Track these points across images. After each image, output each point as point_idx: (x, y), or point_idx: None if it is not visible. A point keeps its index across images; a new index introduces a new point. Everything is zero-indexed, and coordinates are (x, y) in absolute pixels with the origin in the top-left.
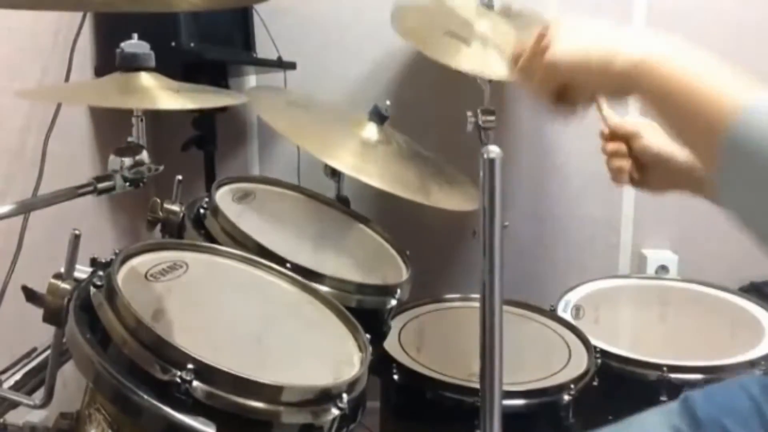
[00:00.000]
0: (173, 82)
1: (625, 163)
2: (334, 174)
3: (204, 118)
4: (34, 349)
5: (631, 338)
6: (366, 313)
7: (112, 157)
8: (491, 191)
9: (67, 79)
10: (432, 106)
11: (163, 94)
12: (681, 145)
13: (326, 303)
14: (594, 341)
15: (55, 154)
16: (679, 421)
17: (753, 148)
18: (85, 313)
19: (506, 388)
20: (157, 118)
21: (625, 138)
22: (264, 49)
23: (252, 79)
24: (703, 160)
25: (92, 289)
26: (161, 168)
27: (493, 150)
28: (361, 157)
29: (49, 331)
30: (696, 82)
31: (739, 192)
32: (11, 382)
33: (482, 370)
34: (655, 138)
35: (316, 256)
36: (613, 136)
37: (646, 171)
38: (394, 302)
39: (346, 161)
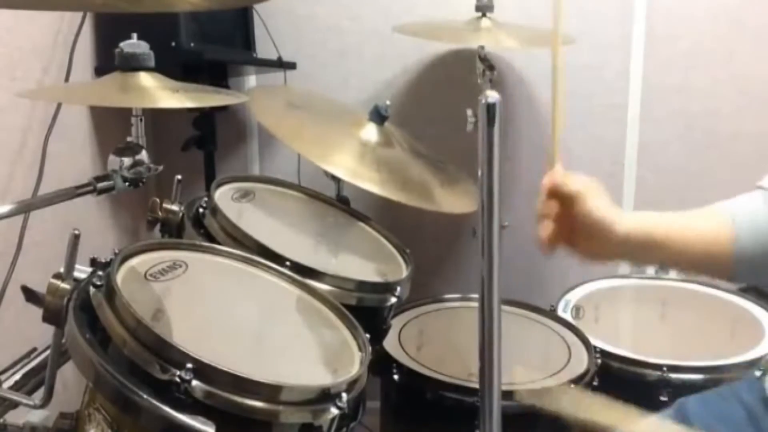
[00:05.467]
0: (173, 81)
1: (554, 228)
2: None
3: (204, 118)
4: (34, 349)
5: (632, 338)
6: (366, 310)
7: (111, 157)
8: (490, 140)
9: (67, 79)
10: (432, 106)
11: (162, 94)
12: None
13: (326, 302)
14: (594, 341)
15: (55, 154)
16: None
17: (752, 262)
18: (85, 313)
19: (506, 388)
20: (157, 118)
21: (566, 198)
22: (264, 49)
23: (252, 79)
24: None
25: (92, 289)
26: (160, 168)
27: (492, 94)
28: (361, 160)
29: (49, 331)
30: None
31: (747, 279)
32: (11, 382)
33: (481, 370)
34: (598, 203)
35: (316, 254)
36: (552, 194)
37: (579, 236)
38: (393, 300)
39: (345, 165)
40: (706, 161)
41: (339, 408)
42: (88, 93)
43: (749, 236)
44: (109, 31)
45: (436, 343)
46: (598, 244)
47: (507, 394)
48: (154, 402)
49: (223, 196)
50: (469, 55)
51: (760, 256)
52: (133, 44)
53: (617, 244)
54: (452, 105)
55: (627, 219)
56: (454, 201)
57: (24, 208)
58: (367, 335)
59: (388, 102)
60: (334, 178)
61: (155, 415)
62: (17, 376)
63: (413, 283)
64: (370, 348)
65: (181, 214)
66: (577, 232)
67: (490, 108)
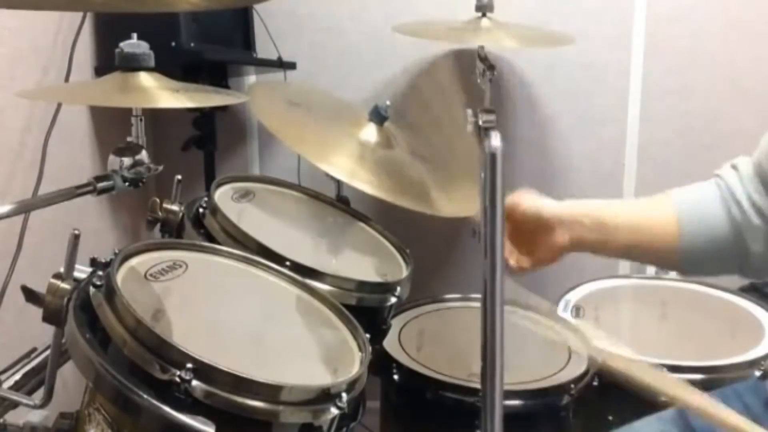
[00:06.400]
0: (173, 81)
1: (514, 249)
2: None
3: (204, 118)
4: (34, 349)
5: (631, 338)
6: (366, 311)
7: (111, 157)
8: (492, 186)
9: (67, 79)
10: (432, 106)
11: (162, 94)
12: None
13: (326, 302)
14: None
15: (55, 154)
16: (673, 429)
17: (697, 251)
18: (85, 313)
19: (506, 388)
20: (157, 118)
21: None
22: (264, 49)
23: (252, 79)
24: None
25: (92, 289)
26: (160, 168)
27: (495, 143)
28: (361, 161)
29: (49, 331)
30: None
31: (698, 270)
32: (11, 382)
33: (483, 371)
34: (529, 199)
35: (316, 254)
36: None
37: (533, 237)
38: (393, 300)
39: (345, 166)
40: (706, 161)
41: (339, 408)
42: (88, 93)
43: (692, 226)
44: (109, 31)
45: (436, 343)
46: (549, 234)
47: (508, 395)
48: (154, 402)
49: (223, 196)
50: (469, 55)
51: (703, 246)
52: (133, 44)
53: (565, 224)
54: (452, 105)
55: (565, 202)
56: (452, 204)
57: (24, 208)
58: (367, 335)
59: (388, 102)
60: (333, 177)
61: (155, 415)
62: (17, 376)
63: (413, 283)
64: (370, 348)
65: (181, 214)
66: (530, 236)
67: (493, 158)
